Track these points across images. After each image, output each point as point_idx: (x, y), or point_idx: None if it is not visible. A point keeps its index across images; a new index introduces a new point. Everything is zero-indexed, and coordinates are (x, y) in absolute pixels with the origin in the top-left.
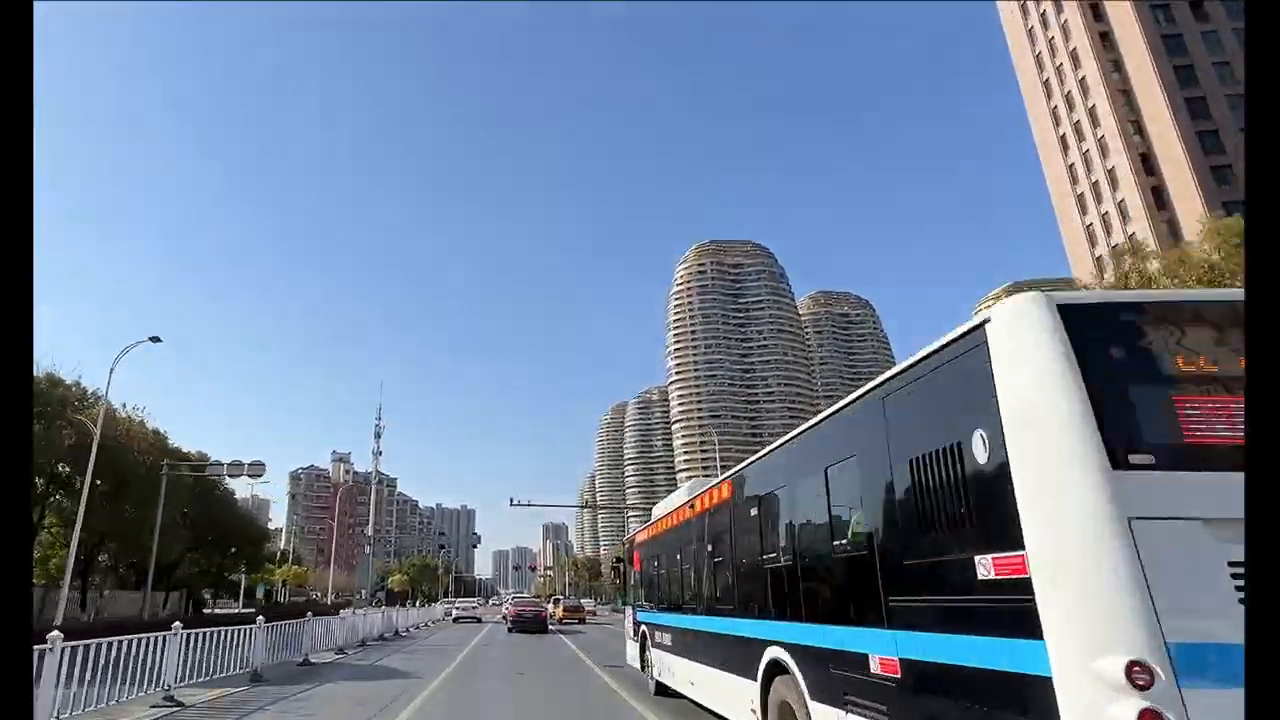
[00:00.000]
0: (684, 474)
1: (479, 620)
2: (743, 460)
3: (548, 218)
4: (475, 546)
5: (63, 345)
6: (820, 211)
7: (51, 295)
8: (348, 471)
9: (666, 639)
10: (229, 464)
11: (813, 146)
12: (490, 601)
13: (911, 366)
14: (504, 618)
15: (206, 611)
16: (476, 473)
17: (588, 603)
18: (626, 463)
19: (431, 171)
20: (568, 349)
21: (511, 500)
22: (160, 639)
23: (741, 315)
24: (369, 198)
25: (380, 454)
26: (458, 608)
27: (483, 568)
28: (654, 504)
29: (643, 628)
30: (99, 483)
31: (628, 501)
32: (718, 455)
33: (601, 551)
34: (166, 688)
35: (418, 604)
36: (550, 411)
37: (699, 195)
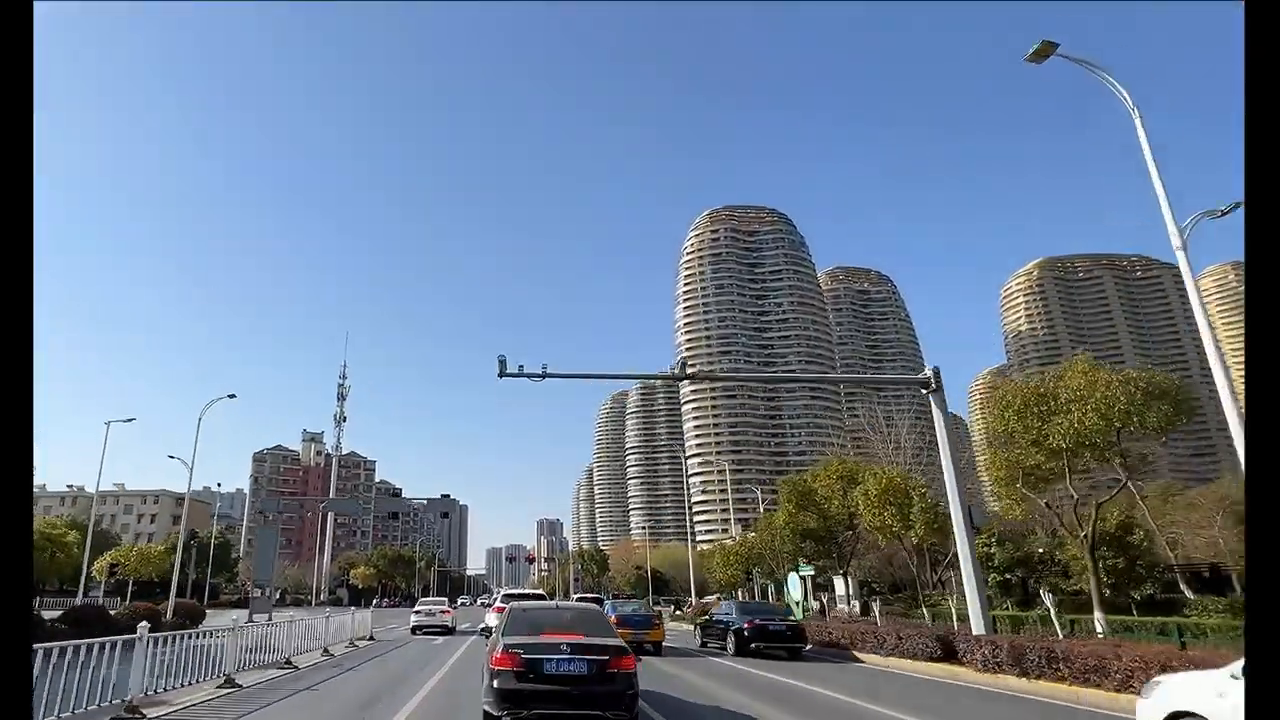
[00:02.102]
0: (695, 459)
1: (450, 631)
2: (760, 447)
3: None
4: (446, 516)
5: None
6: (838, 185)
7: None
8: (319, 453)
9: None
10: None
11: (828, 124)
12: (479, 600)
13: None
14: (482, 633)
15: None
16: (467, 468)
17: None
18: (628, 452)
19: (431, 172)
20: (566, 337)
21: (502, 367)
22: None
23: (758, 286)
24: (365, 197)
25: (345, 419)
26: (417, 612)
27: (475, 564)
28: (658, 495)
29: None
30: None
31: (629, 494)
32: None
33: (600, 544)
34: None
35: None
36: (548, 406)
37: (708, 174)
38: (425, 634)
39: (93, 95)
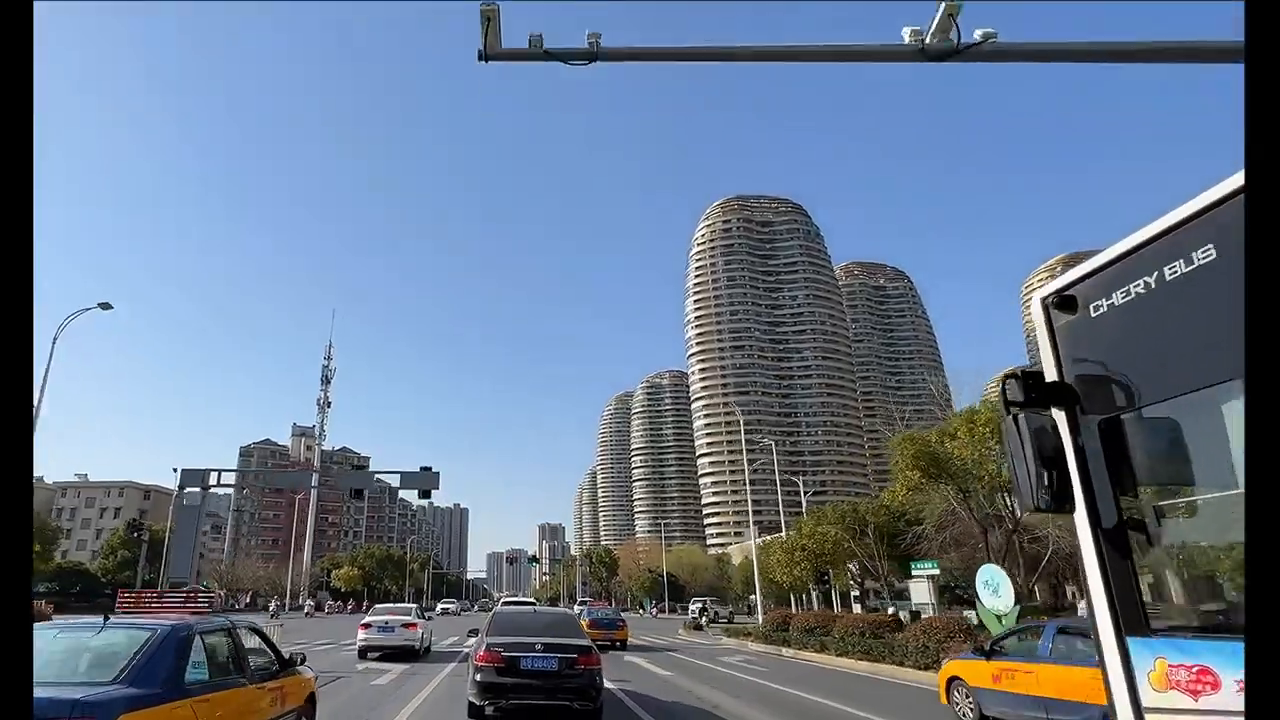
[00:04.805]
0: (706, 458)
1: (417, 655)
2: (775, 446)
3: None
4: (426, 495)
5: None
6: (855, 180)
7: None
8: (309, 448)
9: None
10: None
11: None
12: (479, 606)
13: None
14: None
15: None
16: (469, 475)
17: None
18: (633, 453)
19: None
20: (565, 339)
21: (485, 50)
22: None
23: (772, 279)
24: (366, 198)
25: (330, 405)
26: (367, 625)
27: (476, 568)
28: (665, 498)
29: None
30: None
31: (635, 496)
32: (743, 434)
33: (603, 542)
34: None
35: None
36: (548, 409)
37: (719, 164)
38: (377, 659)
39: (92, 95)
